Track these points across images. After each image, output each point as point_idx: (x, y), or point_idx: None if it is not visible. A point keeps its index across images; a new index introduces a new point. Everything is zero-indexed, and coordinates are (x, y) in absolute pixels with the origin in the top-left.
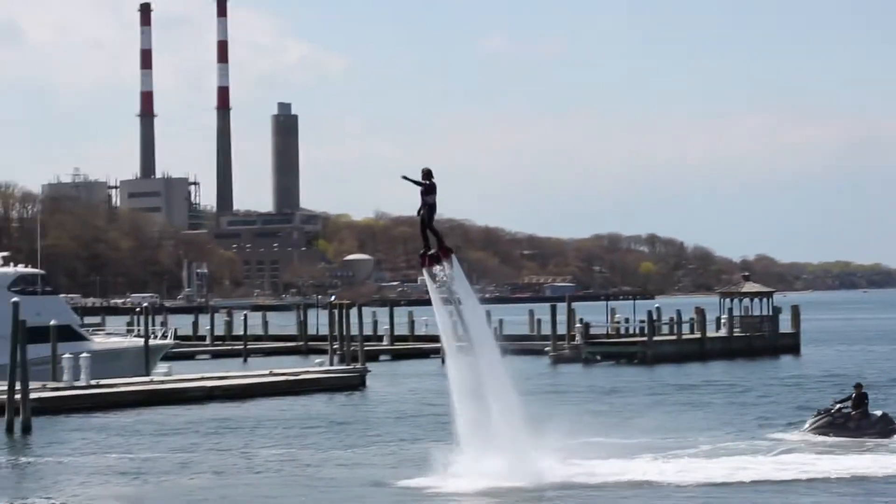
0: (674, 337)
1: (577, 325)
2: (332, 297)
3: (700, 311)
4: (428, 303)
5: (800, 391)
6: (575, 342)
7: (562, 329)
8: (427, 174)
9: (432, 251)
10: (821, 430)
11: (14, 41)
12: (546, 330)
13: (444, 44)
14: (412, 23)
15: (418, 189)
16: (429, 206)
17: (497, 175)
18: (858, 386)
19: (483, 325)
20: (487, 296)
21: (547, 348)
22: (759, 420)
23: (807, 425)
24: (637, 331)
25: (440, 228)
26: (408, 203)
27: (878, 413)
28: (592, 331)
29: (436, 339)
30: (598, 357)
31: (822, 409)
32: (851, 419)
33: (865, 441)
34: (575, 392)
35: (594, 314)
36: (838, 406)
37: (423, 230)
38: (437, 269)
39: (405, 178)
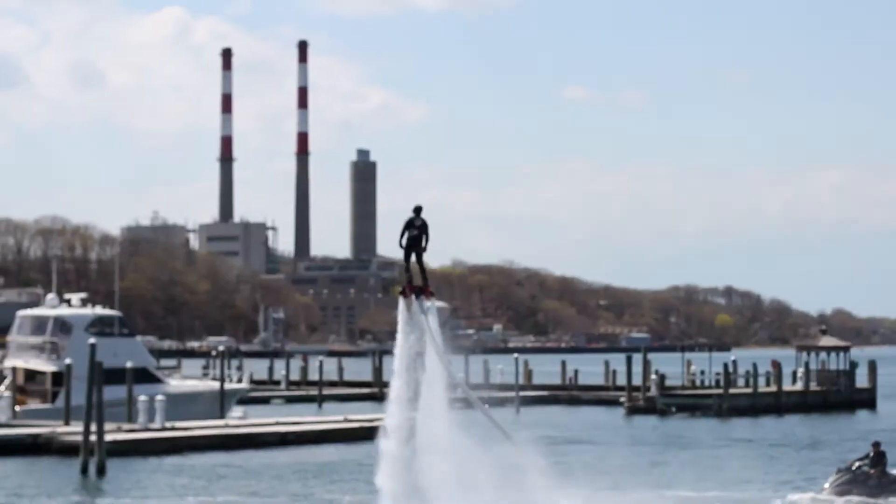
0: (750, 390)
1: (653, 376)
2: None
3: (776, 365)
4: (502, 351)
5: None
6: (650, 393)
7: (637, 380)
8: (417, 211)
9: (417, 284)
10: (842, 487)
11: (95, 84)
12: (621, 380)
13: (525, 92)
14: (493, 71)
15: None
16: (415, 240)
17: (574, 224)
18: (876, 444)
19: (442, 374)
20: (563, 345)
21: (622, 399)
22: (800, 476)
23: (827, 483)
24: (713, 383)
25: (498, 276)
26: (485, 252)
27: None
28: (668, 382)
29: (511, 387)
30: (674, 409)
31: (843, 468)
32: (872, 477)
33: (889, 499)
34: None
35: (669, 366)
36: (858, 464)
37: (408, 261)
38: (415, 303)
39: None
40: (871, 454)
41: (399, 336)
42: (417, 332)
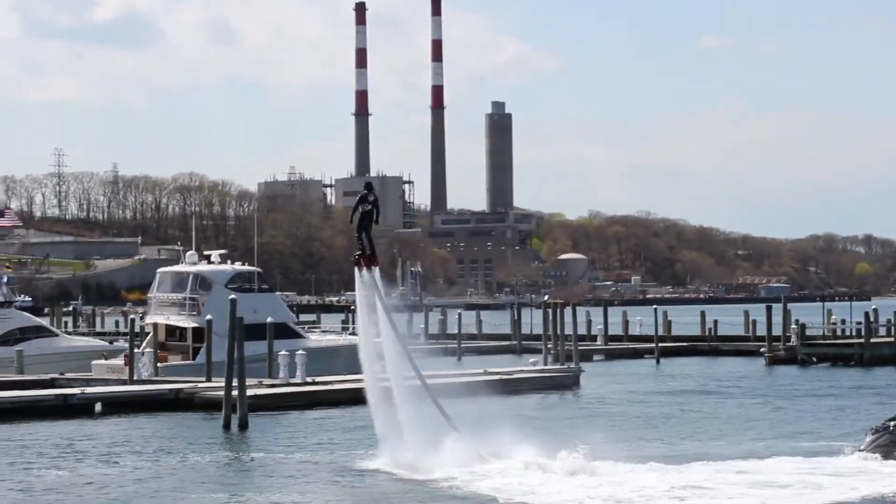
0: (891, 339)
1: (793, 326)
2: (546, 297)
3: None
4: (641, 303)
5: None
6: (790, 343)
7: (777, 330)
8: (368, 187)
9: (369, 253)
10: (883, 449)
11: (230, 42)
12: (761, 331)
13: (660, 42)
14: (627, 21)
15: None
16: (368, 216)
17: (712, 175)
18: None
19: (394, 330)
20: (701, 296)
21: (762, 349)
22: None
23: (864, 445)
24: (854, 332)
25: (635, 227)
26: (622, 203)
27: None
28: (808, 332)
29: (650, 339)
30: (814, 359)
31: (880, 426)
32: None
33: None
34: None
35: (809, 315)
36: (893, 424)
37: (360, 235)
38: (366, 272)
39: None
40: None
41: (357, 301)
42: (371, 298)
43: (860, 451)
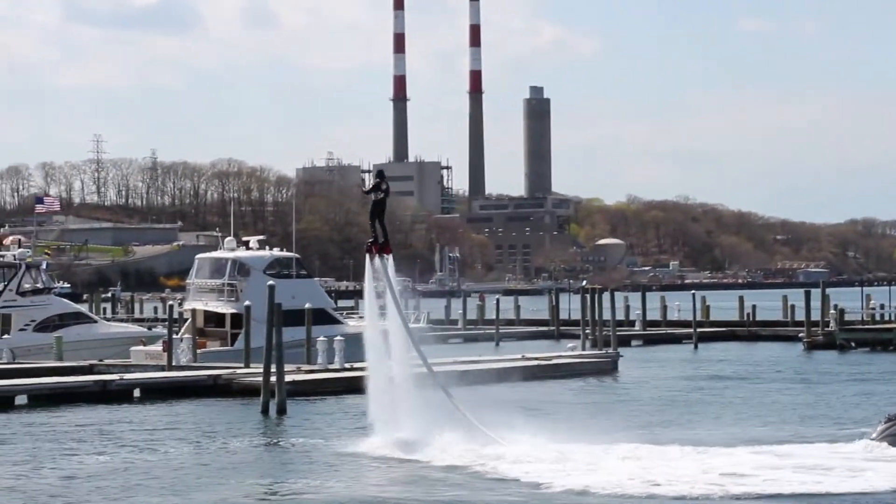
0: None
1: (832, 311)
2: (584, 282)
3: None
4: (680, 288)
5: None
6: (829, 328)
7: (815, 315)
8: (381, 175)
9: (381, 241)
10: (892, 439)
11: (269, 25)
12: (800, 316)
13: (700, 24)
14: (666, 3)
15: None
16: (381, 203)
17: (751, 158)
18: None
19: (401, 318)
20: (739, 281)
21: (801, 334)
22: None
23: (875, 434)
24: (892, 317)
25: (673, 212)
26: (660, 187)
27: None
28: (847, 317)
29: (688, 324)
30: (853, 344)
31: (893, 415)
32: None
33: None
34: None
35: (848, 300)
36: None
37: (373, 223)
38: (377, 260)
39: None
40: None
41: (366, 288)
42: (381, 286)
43: (871, 439)
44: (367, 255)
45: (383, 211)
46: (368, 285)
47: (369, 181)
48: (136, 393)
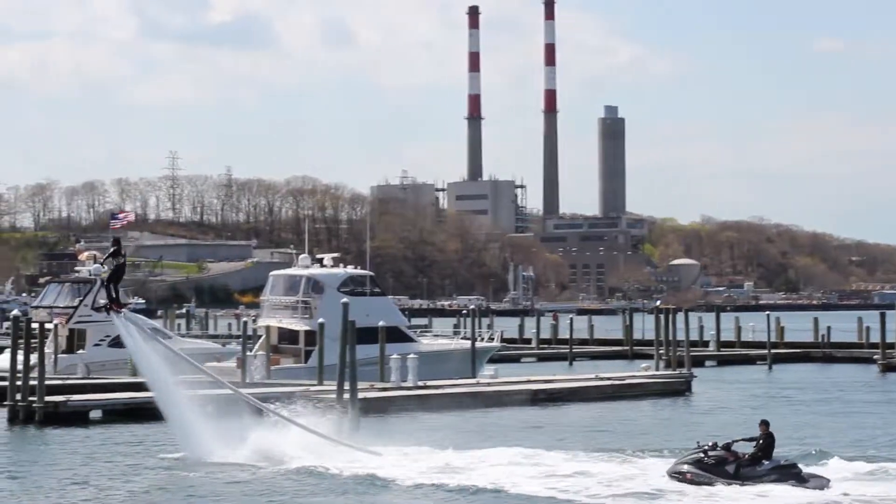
0: None
1: None
2: (658, 302)
3: None
4: (754, 309)
5: None
6: None
7: (891, 337)
8: (116, 242)
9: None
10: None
11: (345, 43)
12: (875, 338)
13: (776, 45)
14: (742, 23)
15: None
16: (121, 269)
17: (826, 179)
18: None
19: (159, 356)
20: (814, 302)
21: (875, 356)
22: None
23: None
24: None
25: (748, 233)
26: (734, 208)
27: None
28: None
29: (763, 345)
30: None
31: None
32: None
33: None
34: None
35: None
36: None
37: (109, 286)
38: (118, 317)
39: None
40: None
41: (125, 341)
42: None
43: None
44: (113, 314)
45: (122, 277)
46: (127, 340)
47: (443, 200)
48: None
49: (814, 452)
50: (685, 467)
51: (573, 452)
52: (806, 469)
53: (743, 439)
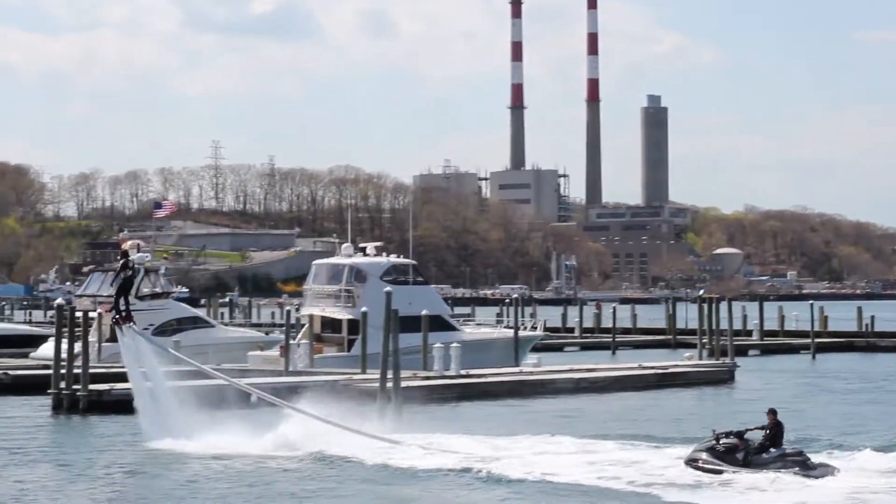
0: None
1: None
2: (701, 291)
3: None
4: (797, 298)
5: None
6: None
7: None
8: (125, 255)
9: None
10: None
11: (387, 33)
12: None
13: (819, 35)
14: (785, 13)
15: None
16: (129, 282)
17: (870, 168)
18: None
19: (159, 368)
20: (858, 291)
21: None
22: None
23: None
24: None
25: (791, 222)
26: (778, 197)
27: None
28: None
29: (806, 334)
30: None
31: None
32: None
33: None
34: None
35: None
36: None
37: (118, 298)
38: (124, 327)
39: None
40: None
41: (124, 357)
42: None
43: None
44: (118, 328)
45: (130, 288)
46: (125, 352)
47: (486, 189)
48: (253, 398)
49: (844, 443)
50: (700, 455)
51: (614, 441)
52: (816, 458)
53: (757, 427)
